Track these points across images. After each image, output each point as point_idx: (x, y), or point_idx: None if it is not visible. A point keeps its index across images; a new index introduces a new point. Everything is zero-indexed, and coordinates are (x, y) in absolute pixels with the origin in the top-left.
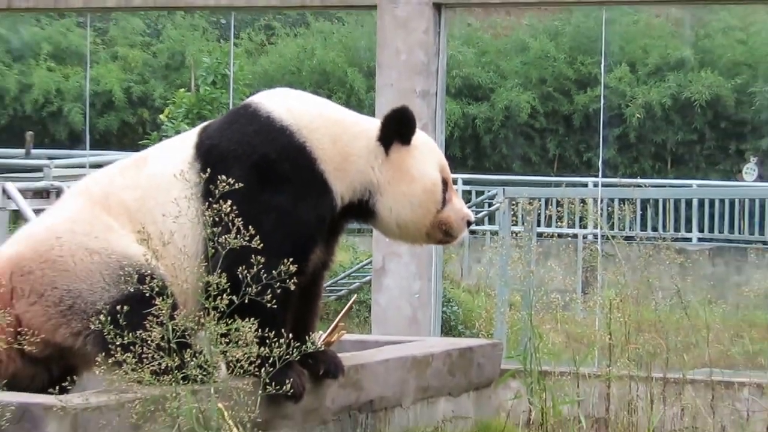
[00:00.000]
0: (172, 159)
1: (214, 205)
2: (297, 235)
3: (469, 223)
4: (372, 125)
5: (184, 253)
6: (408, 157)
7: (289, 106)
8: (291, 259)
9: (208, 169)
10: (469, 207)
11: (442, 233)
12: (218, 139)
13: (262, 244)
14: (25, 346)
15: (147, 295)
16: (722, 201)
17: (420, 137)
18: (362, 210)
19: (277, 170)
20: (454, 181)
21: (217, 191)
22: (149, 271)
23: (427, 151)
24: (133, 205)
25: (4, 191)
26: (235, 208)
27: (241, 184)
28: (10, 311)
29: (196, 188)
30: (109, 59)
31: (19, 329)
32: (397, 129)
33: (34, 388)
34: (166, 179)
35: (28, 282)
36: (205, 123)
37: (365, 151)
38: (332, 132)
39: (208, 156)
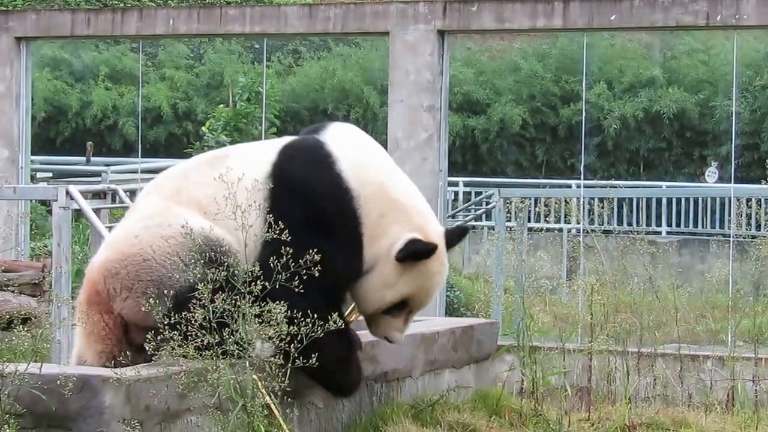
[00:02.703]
0: (250, 168)
1: (271, 232)
2: (329, 282)
3: (387, 340)
4: (406, 223)
5: (245, 256)
6: (400, 271)
7: (359, 171)
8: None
9: (276, 193)
10: (468, 206)
11: (370, 326)
12: (293, 170)
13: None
14: (135, 339)
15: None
16: (687, 200)
17: (431, 268)
18: None
19: (328, 223)
20: (455, 184)
21: (277, 219)
22: (226, 248)
23: (413, 277)
24: (204, 201)
25: (68, 193)
26: (288, 237)
27: (296, 221)
28: (111, 312)
29: (262, 204)
30: (157, 79)
31: (125, 325)
32: (406, 253)
33: None
34: (240, 186)
35: (117, 281)
36: (287, 142)
37: (391, 240)
38: (382, 209)
39: (280, 180)
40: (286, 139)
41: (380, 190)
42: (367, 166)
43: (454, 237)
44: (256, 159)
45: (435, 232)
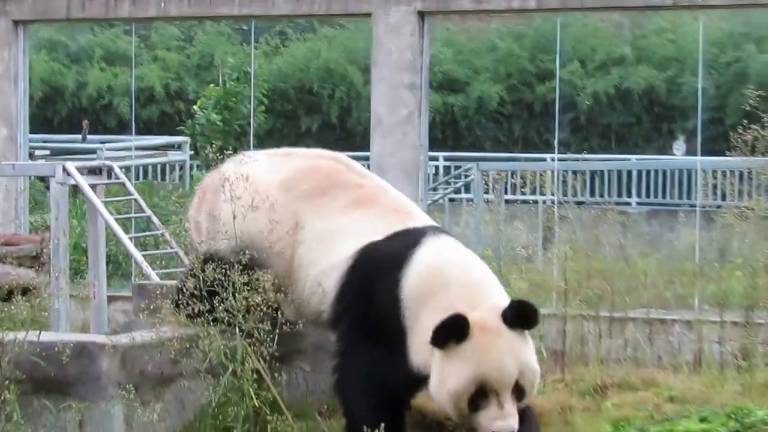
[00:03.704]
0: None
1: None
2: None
3: None
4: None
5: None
6: (447, 360)
7: (423, 284)
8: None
9: (351, 272)
10: (448, 179)
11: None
12: (374, 257)
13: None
14: None
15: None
16: (656, 172)
17: (480, 343)
18: None
19: (377, 331)
20: (435, 159)
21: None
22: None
23: (463, 360)
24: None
25: (65, 169)
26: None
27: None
28: None
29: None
30: (150, 60)
31: None
32: (438, 334)
33: None
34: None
35: None
36: (374, 248)
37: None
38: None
39: (361, 261)
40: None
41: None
42: (432, 284)
43: (512, 311)
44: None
45: (482, 311)
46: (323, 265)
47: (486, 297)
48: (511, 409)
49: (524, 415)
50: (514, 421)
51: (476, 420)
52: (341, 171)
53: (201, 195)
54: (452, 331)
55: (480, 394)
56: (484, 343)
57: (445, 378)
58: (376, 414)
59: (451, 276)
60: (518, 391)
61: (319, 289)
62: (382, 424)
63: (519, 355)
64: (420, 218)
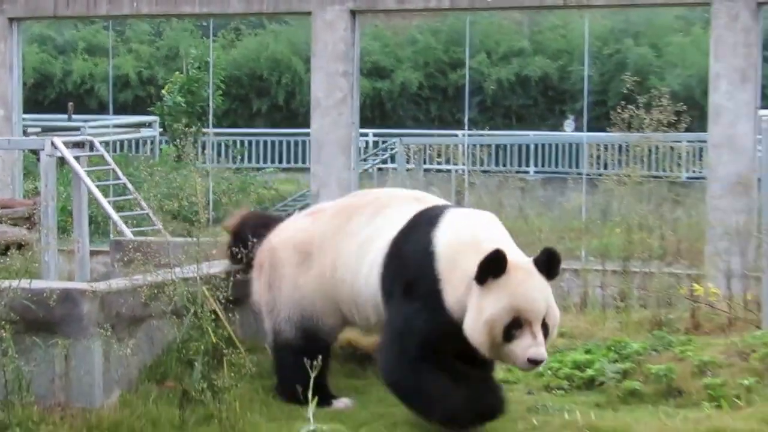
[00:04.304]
0: (381, 231)
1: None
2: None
3: (532, 362)
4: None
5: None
6: (485, 294)
7: (456, 238)
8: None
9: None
10: (376, 152)
11: (511, 362)
12: (407, 232)
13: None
14: None
15: None
16: (550, 145)
17: (515, 278)
18: None
19: (413, 290)
20: (365, 135)
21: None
22: None
23: (500, 292)
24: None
25: (53, 144)
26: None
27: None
28: None
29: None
30: (125, 52)
31: None
32: (482, 273)
33: None
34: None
35: None
36: (410, 222)
37: (464, 281)
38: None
39: (395, 252)
40: None
41: (455, 266)
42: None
43: (542, 258)
44: (387, 226)
45: (510, 253)
46: (365, 268)
47: (510, 247)
48: (542, 339)
49: None
50: (544, 351)
51: (510, 350)
52: (362, 195)
53: (258, 271)
54: (493, 266)
55: (514, 325)
56: (518, 278)
57: (482, 309)
58: (413, 372)
59: (479, 231)
60: (545, 328)
61: (368, 290)
62: (413, 374)
63: (546, 294)
64: (435, 199)
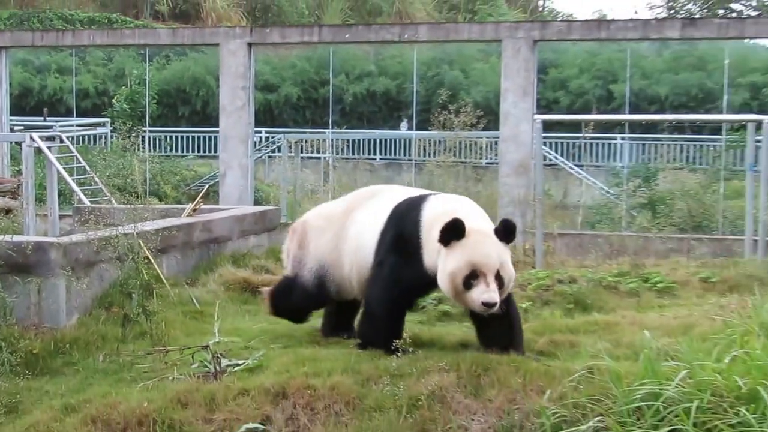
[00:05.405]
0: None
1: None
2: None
3: (486, 305)
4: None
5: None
6: (450, 253)
7: (434, 212)
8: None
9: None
10: (267, 144)
11: (471, 306)
12: (403, 206)
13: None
14: None
15: None
16: (391, 140)
17: (473, 240)
18: None
19: (399, 245)
20: (259, 132)
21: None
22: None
23: (461, 251)
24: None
25: (32, 138)
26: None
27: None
28: None
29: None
30: (86, 72)
31: None
32: (444, 236)
33: None
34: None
35: None
36: (402, 202)
37: (436, 245)
38: (434, 236)
39: (392, 218)
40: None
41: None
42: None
43: (500, 228)
44: (381, 206)
45: (471, 222)
46: (370, 231)
47: (477, 220)
48: (494, 288)
49: (508, 301)
50: (496, 296)
51: (468, 296)
52: (369, 187)
53: (291, 234)
54: (453, 231)
55: (472, 276)
56: (476, 239)
57: (447, 264)
58: (390, 304)
59: (452, 208)
60: (499, 280)
61: (367, 251)
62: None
63: (501, 253)
64: (421, 190)
